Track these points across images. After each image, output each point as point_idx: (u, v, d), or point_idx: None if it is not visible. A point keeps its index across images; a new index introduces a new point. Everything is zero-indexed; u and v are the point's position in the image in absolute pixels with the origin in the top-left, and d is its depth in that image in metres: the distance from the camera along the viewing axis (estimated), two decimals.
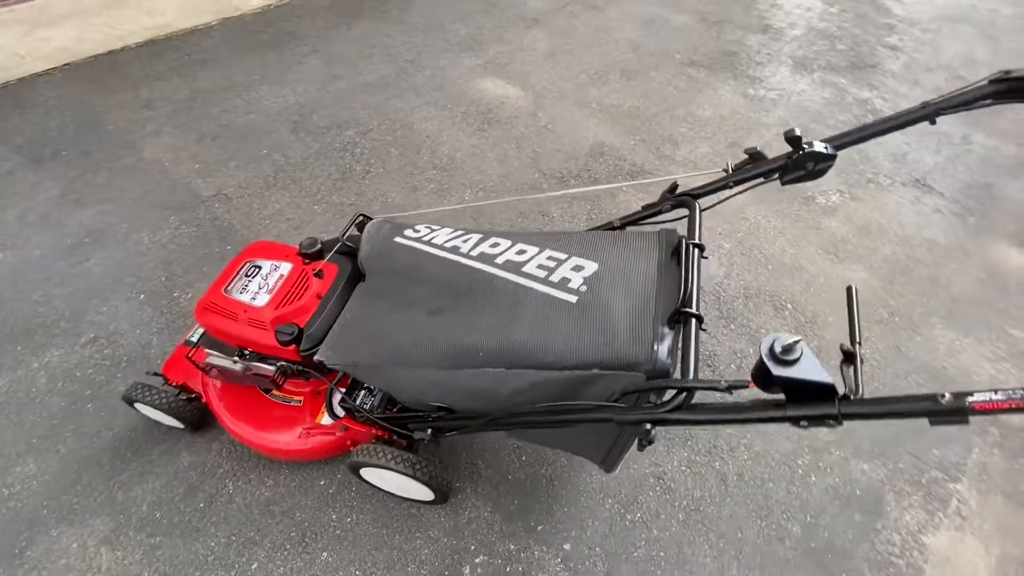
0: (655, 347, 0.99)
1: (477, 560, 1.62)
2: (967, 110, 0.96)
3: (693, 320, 0.99)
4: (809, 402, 0.76)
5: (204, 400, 1.72)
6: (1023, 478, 1.86)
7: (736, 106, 3.42)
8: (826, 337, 2.19)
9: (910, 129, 1.04)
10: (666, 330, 1.02)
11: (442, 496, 1.56)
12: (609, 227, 1.41)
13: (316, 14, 3.94)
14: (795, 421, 0.78)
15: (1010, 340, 2.20)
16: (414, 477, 1.48)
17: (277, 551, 1.61)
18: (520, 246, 1.31)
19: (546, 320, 1.14)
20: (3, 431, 1.83)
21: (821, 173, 1.08)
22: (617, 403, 1.02)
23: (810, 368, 0.75)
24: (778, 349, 0.76)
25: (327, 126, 3.04)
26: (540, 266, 1.23)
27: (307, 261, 1.62)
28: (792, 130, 1.07)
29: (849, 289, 0.86)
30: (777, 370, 0.75)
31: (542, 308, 1.16)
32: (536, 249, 1.28)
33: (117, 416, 1.86)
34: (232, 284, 1.53)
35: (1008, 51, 4.04)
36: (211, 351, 1.60)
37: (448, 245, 1.42)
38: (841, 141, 1.07)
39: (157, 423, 1.84)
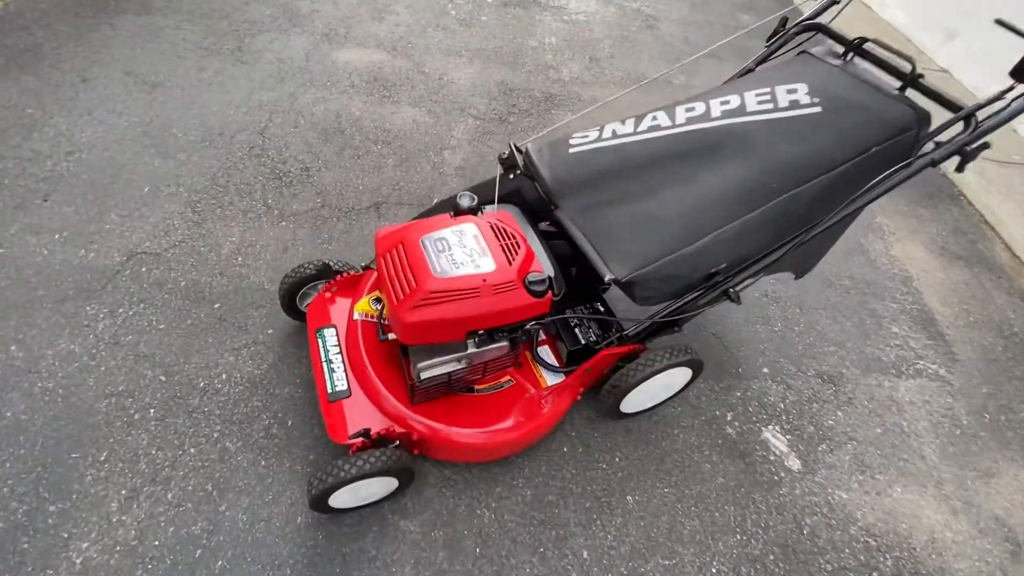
0: (913, 106, 1.26)
1: (728, 417, 1.73)
2: None
3: (918, 79, 1.29)
4: None
5: (415, 437, 1.34)
6: (908, 207, 2.85)
7: (567, 32, 3.84)
8: None
9: None
10: (899, 95, 1.30)
11: (700, 366, 1.56)
12: (747, 71, 1.59)
13: (47, 22, 2.81)
14: None
15: None
16: (688, 362, 1.48)
17: (590, 527, 1.43)
18: (719, 99, 1.40)
19: (809, 134, 1.29)
20: None
21: None
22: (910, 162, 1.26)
23: None
24: None
25: (202, 138, 2.34)
26: (759, 103, 1.36)
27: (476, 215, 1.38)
28: None
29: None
30: None
31: (795, 128, 1.30)
32: (736, 95, 1.40)
33: (276, 548, 1.29)
34: (437, 264, 1.22)
35: None
36: (422, 364, 1.27)
37: (642, 129, 1.41)
38: None
39: (346, 514, 1.35)
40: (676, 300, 1.41)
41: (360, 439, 1.25)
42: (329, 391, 1.36)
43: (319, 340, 1.46)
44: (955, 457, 1.77)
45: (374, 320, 1.47)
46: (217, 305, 1.75)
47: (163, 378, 1.55)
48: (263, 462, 1.43)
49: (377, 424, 1.32)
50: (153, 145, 2.26)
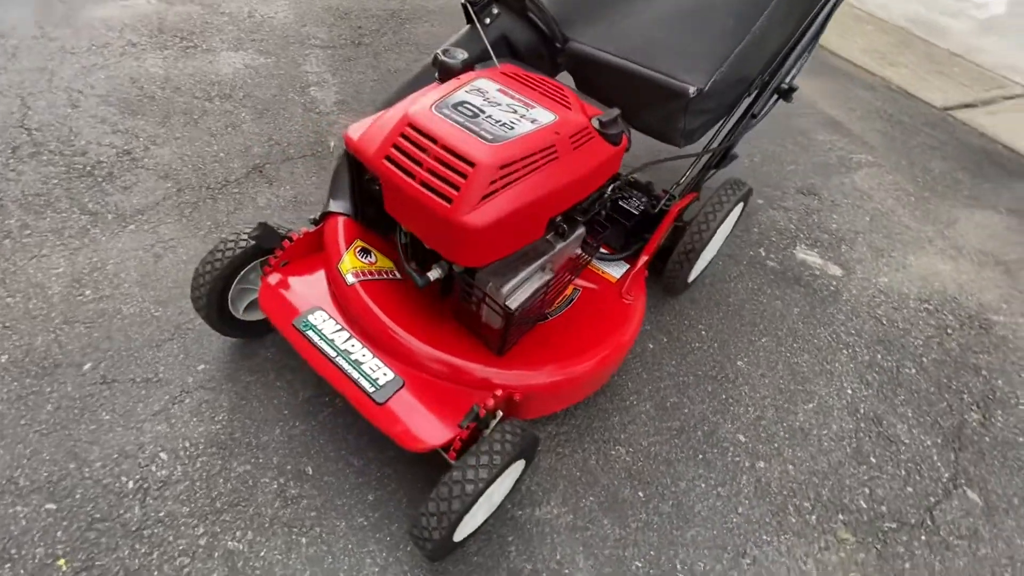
0: None
1: (763, 253, 1.62)
2: None
3: None
4: None
5: (519, 397, 0.94)
6: None
7: None
8: None
9: None
10: None
11: (751, 192, 1.36)
12: None
13: None
14: None
15: None
16: (748, 192, 1.30)
17: (727, 409, 1.21)
18: None
19: None
20: None
21: None
22: None
23: None
24: None
25: None
26: None
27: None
28: None
29: None
30: None
31: None
32: None
33: None
34: (482, 132, 0.81)
35: None
36: (508, 287, 0.89)
37: None
38: None
39: (464, 547, 0.92)
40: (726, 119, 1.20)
41: (471, 425, 0.82)
42: (370, 390, 0.88)
43: (308, 334, 0.94)
44: (925, 218, 1.92)
45: (383, 275, 0.99)
46: (88, 365, 1.07)
47: (51, 506, 0.89)
48: (303, 540, 0.90)
49: (461, 401, 0.90)
50: None
